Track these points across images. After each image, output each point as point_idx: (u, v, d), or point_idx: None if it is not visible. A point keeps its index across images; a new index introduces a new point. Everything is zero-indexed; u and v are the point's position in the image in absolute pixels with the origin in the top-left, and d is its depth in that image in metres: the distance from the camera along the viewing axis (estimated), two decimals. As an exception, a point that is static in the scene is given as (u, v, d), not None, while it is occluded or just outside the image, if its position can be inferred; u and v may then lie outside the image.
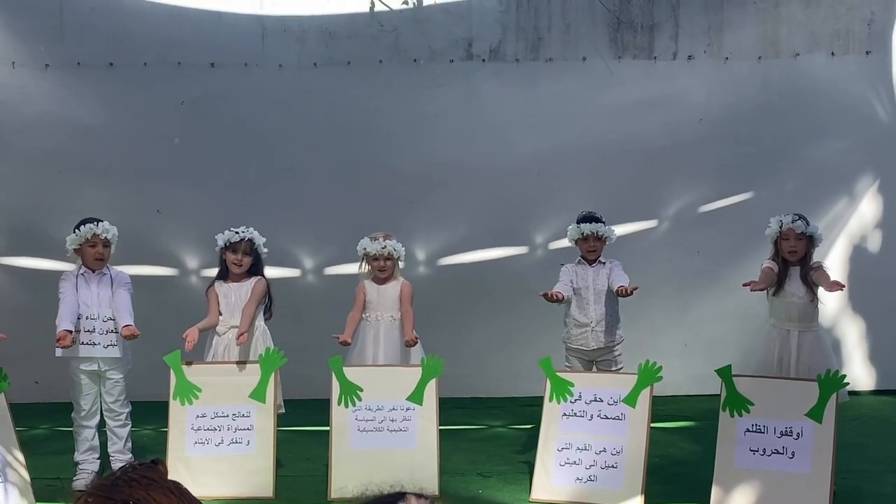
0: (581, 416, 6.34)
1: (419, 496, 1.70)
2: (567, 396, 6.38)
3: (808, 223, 6.34)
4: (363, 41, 9.13)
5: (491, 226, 9.20)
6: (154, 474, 1.79)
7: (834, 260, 9.01)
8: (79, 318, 6.52)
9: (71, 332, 6.35)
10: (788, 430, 5.92)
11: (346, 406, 6.37)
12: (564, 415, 6.37)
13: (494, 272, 9.20)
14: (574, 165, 9.11)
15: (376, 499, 1.75)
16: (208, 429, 6.38)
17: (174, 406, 6.40)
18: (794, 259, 6.33)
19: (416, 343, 6.74)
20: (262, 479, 6.28)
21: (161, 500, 1.74)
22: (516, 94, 9.22)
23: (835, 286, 6.16)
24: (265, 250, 6.93)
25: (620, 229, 8.56)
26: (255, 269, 6.93)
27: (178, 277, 9.04)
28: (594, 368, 6.96)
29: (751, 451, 5.97)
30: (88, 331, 6.54)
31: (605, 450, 6.22)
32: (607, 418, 6.29)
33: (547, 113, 9.16)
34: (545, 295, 6.71)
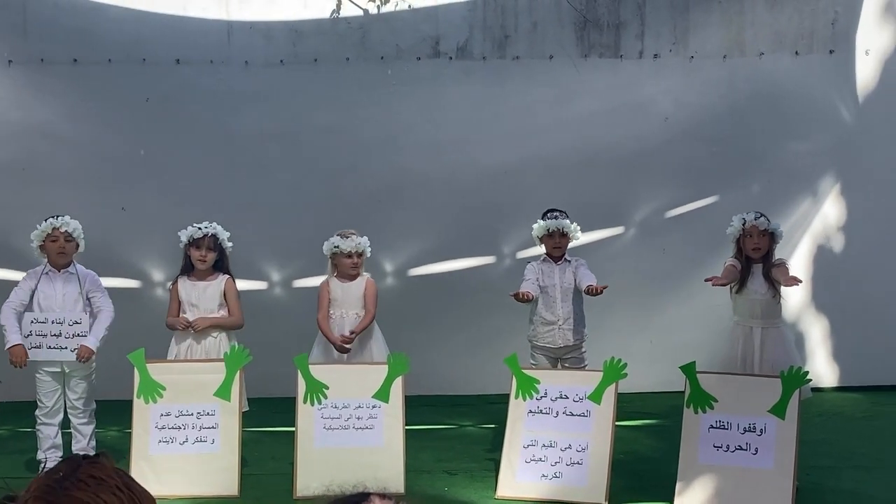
0: (547, 414, 6.36)
1: (383, 496, 1.70)
2: (533, 394, 6.39)
3: (769, 220, 6.39)
4: (330, 39, 9.11)
5: (460, 227, 9.18)
6: (101, 472, 1.75)
7: (798, 260, 9.10)
8: (43, 323, 6.47)
9: (21, 344, 6.40)
10: (752, 426, 5.97)
11: (312, 404, 6.36)
12: (530, 412, 6.38)
13: (463, 278, 9.21)
14: (541, 166, 9.13)
15: (339, 499, 1.74)
16: (173, 427, 6.34)
17: (138, 405, 6.35)
18: (758, 256, 6.38)
19: (349, 344, 6.73)
20: (226, 478, 6.25)
21: (109, 499, 1.71)
22: (484, 93, 9.23)
23: (792, 281, 6.22)
24: (229, 245, 6.89)
25: (589, 236, 8.62)
26: (220, 265, 6.89)
27: (144, 275, 8.97)
28: (560, 366, 6.98)
29: (714, 447, 6.01)
30: (55, 335, 6.50)
31: (570, 447, 6.24)
32: (573, 415, 6.31)
33: (514, 112, 9.18)
34: (515, 295, 6.73)
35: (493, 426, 7.61)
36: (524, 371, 6.48)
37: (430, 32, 9.22)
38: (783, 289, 6.49)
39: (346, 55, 9.12)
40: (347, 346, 6.77)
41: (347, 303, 6.90)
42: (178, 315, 6.80)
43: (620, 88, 9.25)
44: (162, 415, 6.36)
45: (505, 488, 6.23)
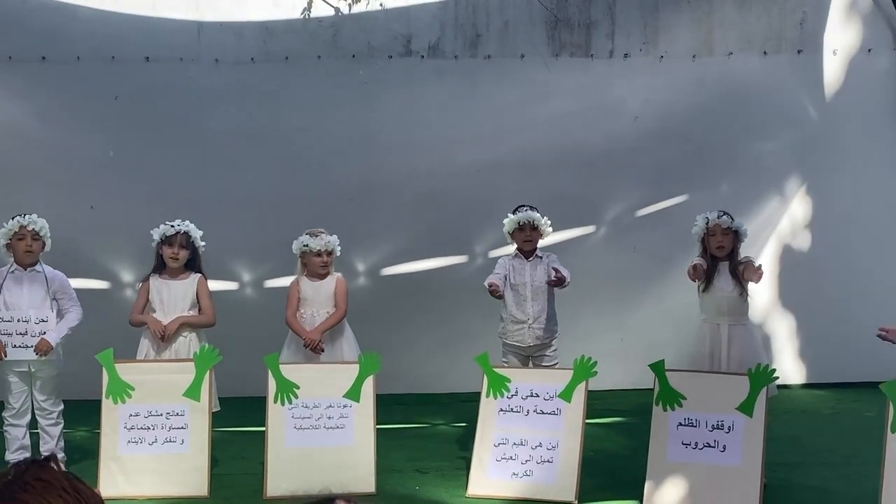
0: (518, 412, 6.37)
1: (348, 500, 1.70)
2: (504, 392, 6.40)
3: (732, 219, 6.43)
4: (301, 36, 9.10)
5: (430, 230, 9.19)
6: (48, 475, 1.75)
7: (766, 259, 9.18)
8: (9, 321, 6.43)
9: None
10: (720, 423, 6.00)
11: (283, 404, 6.34)
12: (501, 410, 6.39)
13: (435, 278, 9.23)
14: (512, 165, 9.16)
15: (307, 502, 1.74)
16: (142, 427, 6.30)
17: (107, 405, 6.31)
18: (722, 254, 6.42)
19: (317, 345, 6.72)
20: (196, 478, 6.22)
21: (55, 501, 1.70)
22: (455, 92, 9.25)
23: (757, 273, 6.26)
24: (202, 244, 6.86)
25: (560, 235, 8.65)
26: (193, 264, 6.85)
27: (113, 275, 8.93)
28: (530, 364, 7.01)
29: (683, 444, 6.04)
30: (21, 333, 6.46)
31: (540, 445, 6.25)
32: (543, 413, 6.33)
33: (486, 111, 9.21)
34: (490, 288, 6.75)
35: (464, 425, 7.62)
36: (495, 369, 6.49)
37: (402, 31, 9.23)
38: (750, 287, 6.54)
39: (317, 53, 9.11)
40: (319, 346, 6.76)
41: (318, 301, 6.89)
42: (143, 313, 6.76)
43: (591, 88, 9.30)
44: (131, 415, 6.31)
45: (476, 487, 6.24)
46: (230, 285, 8.94)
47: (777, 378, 6.13)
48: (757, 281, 6.36)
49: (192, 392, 6.33)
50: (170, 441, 6.31)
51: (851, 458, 6.92)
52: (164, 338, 6.62)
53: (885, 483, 5.38)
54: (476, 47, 9.27)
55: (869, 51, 9.34)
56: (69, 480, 1.77)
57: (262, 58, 9.05)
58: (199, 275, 6.83)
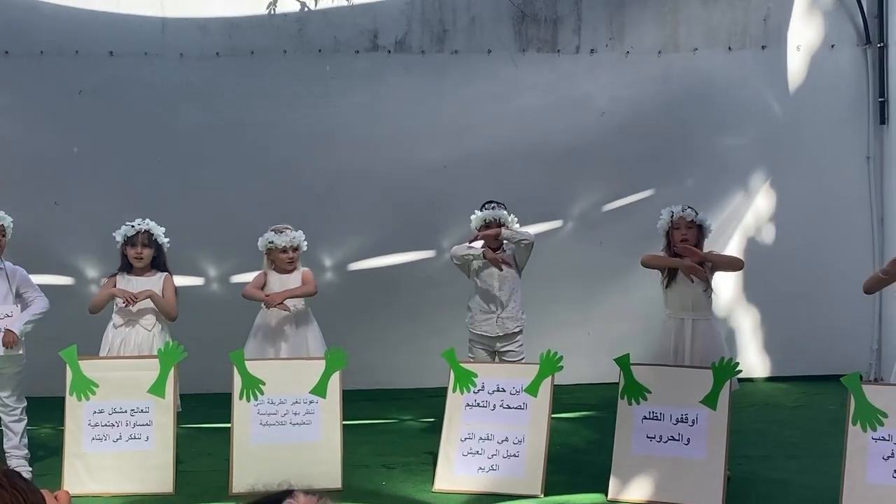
0: (484, 407, 6.39)
1: (307, 493, 1.70)
2: (470, 387, 6.42)
3: (696, 213, 6.47)
4: (267, 31, 9.05)
5: (398, 225, 9.19)
6: None
7: (730, 253, 9.21)
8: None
9: None
10: (684, 416, 6.04)
11: (248, 400, 6.31)
12: (468, 405, 6.41)
13: (402, 273, 9.23)
14: (480, 160, 9.16)
15: (264, 497, 1.74)
16: (106, 424, 6.26)
17: (71, 402, 6.27)
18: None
19: (281, 305, 6.73)
20: (161, 475, 6.19)
21: None
22: (422, 87, 9.25)
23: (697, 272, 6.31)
24: (166, 240, 6.81)
25: (527, 229, 8.64)
26: (158, 262, 6.81)
27: (77, 271, 8.86)
28: (497, 360, 7.02)
29: (648, 437, 6.07)
30: (-15, 330, 6.39)
31: (507, 439, 6.27)
32: (510, 408, 6.35)
33: (453, 106, 9.22)
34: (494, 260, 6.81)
35: (432, 420, 7.62)
36: (462, 365, 6.51)
37: (369, 26, 9.21)
38: (715, 282, 6.59)
39: (283, 48, 9.08)
40: (282, 305, 6.72)
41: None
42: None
43: (558, 83, 9.33)
44: (95, 412, 6.27)
45: (442, 482, 6.25)
46: (196, 281, 8.90)
47: (740, 371, 6.18)
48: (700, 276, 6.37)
49: (157, 389, 6.30)
50: (134, 438, 6.27)
51: (814, 451, 6.99)
52: (133, 302, 6.54)
53: (846, 474, 5.44)
54: (443, 42, 9.27)
55: (832, 46, 9.42)
56: (8, 478, 1.76)
57: (227, 52, 9.01)
58: (166, 273, 6.78)
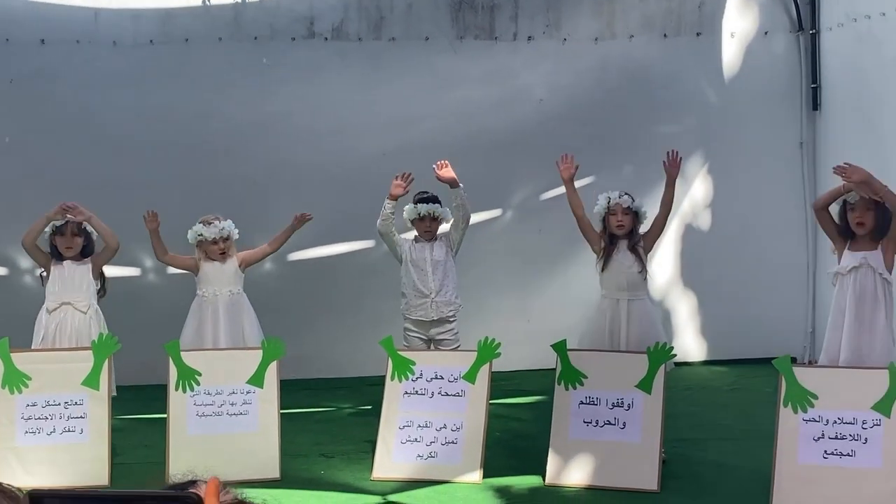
0: (422, 394, 6.41)
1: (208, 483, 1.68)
2: (409, 375, 6.43)
3: (633, 199, 6.54)
4: (201, 18, 8.95)
5: (336, 214, 9.13)
6: None
7: (667, 239, 9.32)
8: None
9: None
10: (620, 401, 6.11)
11: (185, 391, 6.27)
12: (406, 393, 6.42)
13: (341, 263, 9.19)
14: (418, 148, 9.12)
15: (168, 486, 1.73)
16: (39, 417, 6.19)
17: (3, 395, 6.18)
18: (622, 233, 6.53)
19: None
20: (96, 468, 6.13)
21: None
22: (360, 74, 9.20)
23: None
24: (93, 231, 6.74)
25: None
26: (88, 251, 6.74)
27: (10, 262, 8.71)
28: (433, 347, 7.03)
29: (584, 422, 6.14)
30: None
31: (445, 426, 6.30)
32: (448, 395, 6.37)
33: (390, 93, 9.18)
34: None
35: (371, 407, 7.61)
36: (400, 353, 6.52)
37: (305, 13, 9.15)
38: (652, 265, 6.67)
39: (218, 35, 8.99)
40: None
41: (220, 281, 6.85)
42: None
43: (495, 70, 9.34)
44: (28, 405, 6.20)
45: (381, 470, 6.25)
46: (132, 271, 8.79)
47: (675, 355, 6.26)
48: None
49: (91, 381, 6.23)
50: (68, 431, 6.20)
51: (749, 432, 7.09)
52: (73, 212, 6.52)
53: (777, 455, 5.53)
54: (380, 29, 9.23)
55: (766, 33, 9.53)
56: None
57: (161, 40, 8.89)
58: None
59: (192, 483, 1.68)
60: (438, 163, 7.07)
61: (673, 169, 6.58)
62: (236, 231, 6.95)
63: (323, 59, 9.15)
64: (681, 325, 9.57)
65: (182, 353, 6.32)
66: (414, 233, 7.27)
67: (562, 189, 9.31)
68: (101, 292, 6.77)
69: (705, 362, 9.57)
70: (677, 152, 6.61)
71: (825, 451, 5.48)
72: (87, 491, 1.51)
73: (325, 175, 9.07)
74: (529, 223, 9.39)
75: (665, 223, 6.77)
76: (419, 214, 7.04)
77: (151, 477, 6.17)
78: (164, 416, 6.34)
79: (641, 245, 6.56)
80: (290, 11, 9.08)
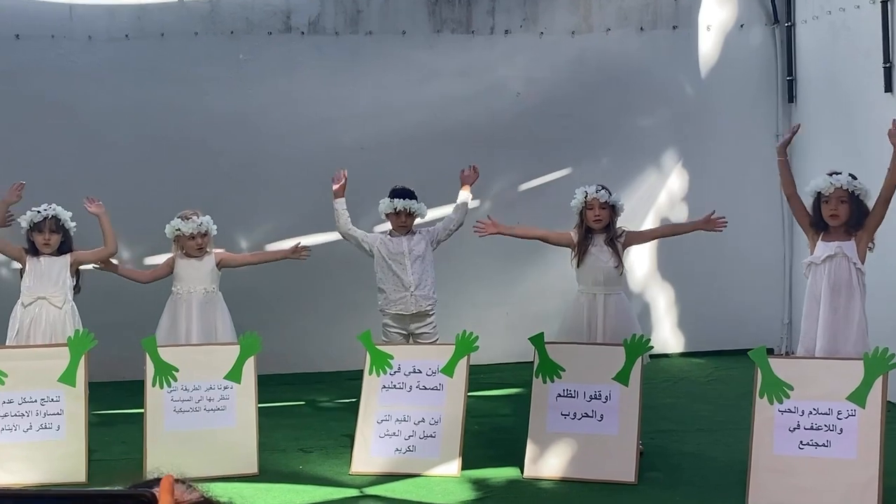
0: (400, 388, 6.42)
1: (178, 481, 1.68)
2: (387, 369, 6.44)
3: (610, 193, 6.55)
4: (177, 12, 8.92)
5: (314, 207, 9.11)
6: None
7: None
8: None
9: None
10: (597, 393, 6.14)
11: (162, 387, 6.25)
12: (384, 387, 6.43)
13: (318, 255, 9.15)
14: (395, 141, 9.15)
15: (135, 484, 1.72)
16: (16, 415, 6.15)
17: (-21, 393, 6.15)
18: (599, 227, 6.52)
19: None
20: (73, 464, 6.10)
21: None
22: (337, 68, 9.19)
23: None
24: (73, 224, 6.71)
25: (443, 210, 8.67)
26: (66, 246, 6.72)
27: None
28: (411, 341, 7.02)
29: (562, 415, 6.16)
30: None
31: (423, 420, 6.31)
32: (426, 389, 6.38)
33: (367, 87, 9.17)
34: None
35: (349, 402, 7.61)
36: (378, 347, 6.52)
37: (281, 7, 9.12)
38: (629, 258, 6.69)
39: (194, 29, 8.95)
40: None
41: (195, 279, 6.82)
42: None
43: (473, 64, 9.34)
44: (4, 402, 6.16)
45: (359, 464, 6.26)
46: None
47: (651, 348, 6.29)
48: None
49: (68, 377, 6.20)
50: (45, 428, 6.17)
51: (725, 424, 7.14)
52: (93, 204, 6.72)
53: (753, 446, 5.57)
54: (357, 24, 9.21)
55: (741, 26, 9.56)
56: None
57: (136, 34, 8.84)
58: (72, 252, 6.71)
59: (158, 481, 1.68)
60: (472, 167, 7.26)
61: None
62: (214, 227, 6.92)
63: (300, 53, 9.13)
64: (659, 317, 9.61)
65: (159, 349, 6.30)
66: (386, 226, 7.26)
67: (538, 180, 9.40)
68: (76, 289, 6.74)
69: (683, 354, 9.61)
70: None
71: (801, 442, 5.53)
72: (34, 491, 1.50)
73: (302, 168, 9.05)
74: (508, 215, 9.37)
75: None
76: (395, 209, 7.03)
77: (129, 473, 6.16)
78: (142, 411, 6.32)
79: (621, 240, 6.57)
80: (266, 6, 9.05)
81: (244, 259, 7.17)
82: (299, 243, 7.08)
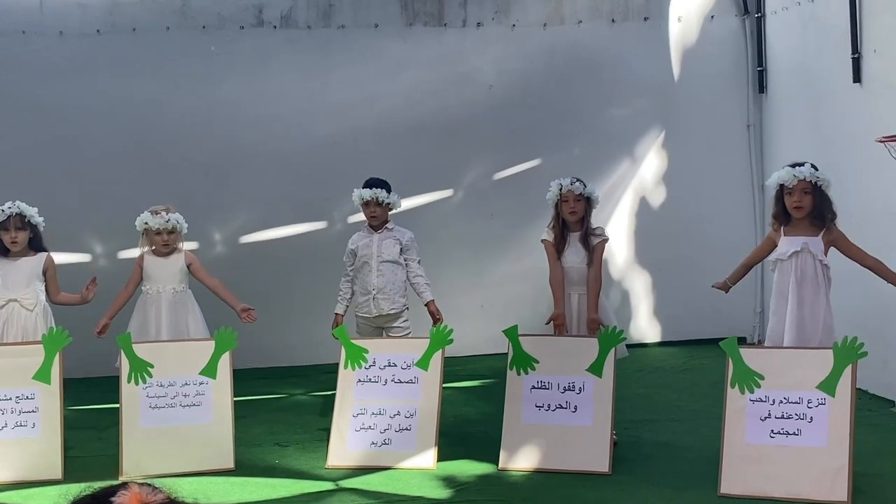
0: (376, 382, 6.43)
1: (142, 484, 1.71)
2: (362, 363, 6.46)
3: (585, 185, 6.56)
4: (148, 7, 8.89)
5: (288, 199, 9.16)
6: None
7: (618, 221, 9.46)
8: None
9: None
10: (571, 385, 6.18)
11: (137, 383, 6.24)
12: (360, 381, 6.45)
13: (293, 246, 9.19)
14: (369, 134, 9.17)
15: (99, 490, 1.74)
16: (-9, 413, 6.14)
17: (-47, 392, 6.12)
18: (574, 220, 6.53)
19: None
20: (49, 462, 6.09)
21: None
22: (309, 62, 9.20)
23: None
24: (40, 220, 6.67)
25: (417, 199, 8.73)
26: (35, 243, 6.67)
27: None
28: (385, 335, 7.03)
29: (536, 406, 6.20)
30: None
31: (399, 413, 6.33)
32: (401, 382, 6.40)
33: (340, 81, 9.18)
34: None
35: (326, 395, 7.64)
36: (353, 341, 6.54)
37: (253, 1, 9.11)
38: (606, 250, 6.70)
39: (165, 25, 8.93)
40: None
41: (164, 278, 6.77)
42: None
43: (445, 57, 9.37)
44: (-21, 401, 6.15)
45: (335, 458, 6.28)
46: (81, 266, 8.72)
47: (624, 339, 6.33)
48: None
49: (42, 375, 6.18)
50: (20, 425, 6.15)
51: (698, 413, 7.21)
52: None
53: (725, 435, 5.63)
54: (329, 17, 9.21)
55: (712, 17, 9.63)
56: None
57: (108, 29, 8.81)
58: (45, 253, 6.67)
59: (124, 485, 1.70)
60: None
61: None
62: (185, 226, 6.89)
63: (272, 47, 9.12)
64: (635, 307, 9.69)
65: (134, 346, 6.29)
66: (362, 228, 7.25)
67: (511, 170, 9.43)
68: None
69: (659, 343, 9.69)
70: None
71: (772, 431, 5.59)
72: None
73: (275, 162, 9.07)
74: (481, 205, 9.44)
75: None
76: (362, 198, 7.03)
77: (105, 469, 6.16)
78: (118, 407, 6.31)
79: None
80: (238, 0, 9.03)
81: (209, 281, 6.98)
82: (251, 310, 6.94)
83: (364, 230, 7.15)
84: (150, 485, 1.69)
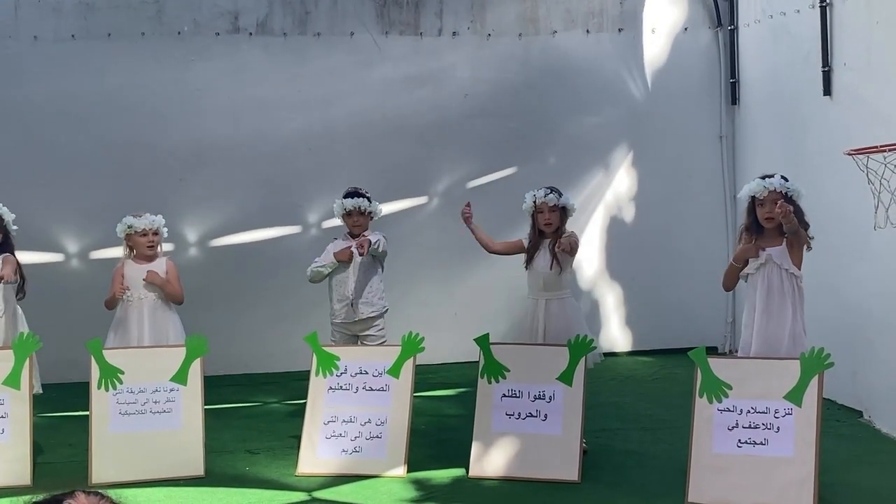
0: (347, 389, 6.44)
1: (89, 493, 1.72)
2: (333, 370, 6.46)
3: (560, 195, 6.59)
4: (124, 12, 8.89)
5: (262, 204, 9.17)
6: None
7: (592, 230, 9.51)
8: None
9: None
10: (541, 393, 6.21)
11: (107, 389, 6.22)
12: (331, 388, 6.45)
13: (267, 251, 9.19)
14: (344, 141, 9.20)
15: (46, 498, 1.75)
16: (-40, 419, 6.10)
17: (-79, 397, 6.09)
18: (550, 231, 6.56)
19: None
20: (18, 468, 6.05)
21: None
22: (284, 69, 9.22)
23: (564, 245, 6.43)
24: (14, 227, 6.64)
25: (391, 206, 8.74)
26: (6, 248, 6.63)
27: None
28: (359, 343, 7.04)
29: (507, 415, 6.22)
30: None
31: (370, 421, 6.34)
32: (372, 390, 6.41)
33: (316, 88, 9.21)
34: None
35: (297, 403, 7.63)
36: (324, 348, 6.54)
37: (229, 7, 9.12)
38: (578, 258, 6.74)
39: (141, 30, 8.92)
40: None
41: (147, 285, 6.76)
42: None
43: (421, 65, 9.41)
44: (-53, 407, 6.11)
45: (305, 465, 6.28)
46: (56, 271, 8.70)
47: (595, 348, 6.36)
48: (568, 251, 6.50)
49: (12, 380, 6.15)
50: (-11, 431, 6.12)
51: (668, 422, 7.25)
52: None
53: (693, 444, 5.67)
54: (305, 25, 9.23)
55: (685, 29, 9.70)
56: None
57: (83, 35, 8.80)
58: (5, 255, 6.60)
59: (70, 493, 1.71)
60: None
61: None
62: (165, 229, 6.90)
63: (247, 54, 9.14)
64: (607, 316, 9.73)
65: (104, 352, 6.28)
66: (340, 235, 7.25)
67: (486, 178, 9.47)
68: (21, 294, 6.66)
69: (631, 353, 9.74)
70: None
71: (739, 440, 5.63)
72: None
73: (250, 168, 9.08)
74: (455, 212, 9.41)
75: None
76: (345, 209, 7.05)
77: (75, 476, 6.14)
78: (88, 413, 6.29)
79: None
80: (214, 6, 9.05)
81: (178, 292, 6.95)
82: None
83: (342, 237, 7.16)
84: (98, 493, 1.70)
